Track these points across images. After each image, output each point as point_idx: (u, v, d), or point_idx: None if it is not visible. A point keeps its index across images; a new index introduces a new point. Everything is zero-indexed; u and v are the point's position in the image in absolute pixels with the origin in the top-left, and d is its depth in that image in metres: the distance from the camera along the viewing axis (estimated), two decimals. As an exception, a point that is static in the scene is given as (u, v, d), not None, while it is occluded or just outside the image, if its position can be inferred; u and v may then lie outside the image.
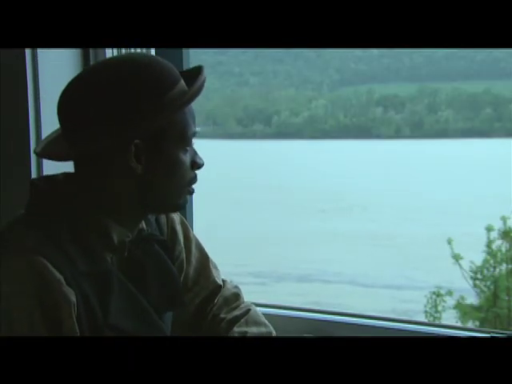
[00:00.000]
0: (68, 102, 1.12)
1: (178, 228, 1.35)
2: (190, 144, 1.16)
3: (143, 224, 1.22)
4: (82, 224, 1.11)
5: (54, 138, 1.17)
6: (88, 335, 1.05)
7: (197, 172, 1.19)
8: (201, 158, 1.19)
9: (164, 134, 1.11)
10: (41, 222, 1.09)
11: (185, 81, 1.15)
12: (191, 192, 1.20)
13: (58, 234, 1.07)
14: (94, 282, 1.08)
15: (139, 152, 1.10)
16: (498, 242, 5.96)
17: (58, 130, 1.18)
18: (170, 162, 1.13)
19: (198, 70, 1.18)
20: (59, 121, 1.14)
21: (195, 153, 1.18)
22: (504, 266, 5.91)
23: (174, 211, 1.26)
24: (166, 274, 1.21)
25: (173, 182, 1.15)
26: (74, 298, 1.03)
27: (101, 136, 1.08)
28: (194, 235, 1.39)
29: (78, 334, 1.04)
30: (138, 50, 1.70)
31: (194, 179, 1.19)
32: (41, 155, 1.18)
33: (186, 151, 1.15)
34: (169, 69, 1.14)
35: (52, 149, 1.15)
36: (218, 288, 1.39)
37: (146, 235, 1.20)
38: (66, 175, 1.17)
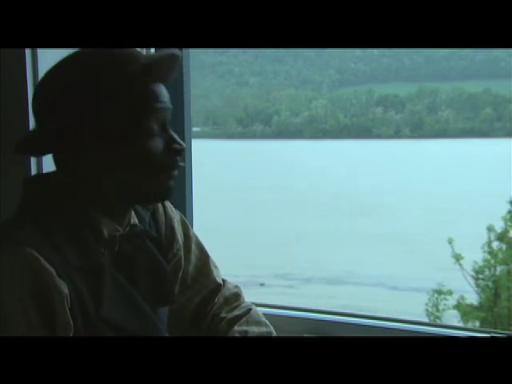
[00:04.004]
0: (40, 98, 1.13)
1: (177, 226, 1.35)
2: (159, 128, 1.13)
3: (135, 220, 1.22)
4: (73, 219, 1.11)
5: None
6: (81, 328, 1.06)
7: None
8: (179, 143, 1.15)
9: (130, 119, 1.10)
10: (33, 218, 1.10)
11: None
12: (170, 179, 1.16)
13: (50, 229, 1.08)
14: (86, 276, 1.09)
15: (107, 142, 1.10)
16: (498, 242, 5.98)
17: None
18: (137, 148, 1.11)
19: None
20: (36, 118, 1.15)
21: (171, 137, 1.15)
22: (505, 266, 5.92)
23: (156, 201, 1.23)
24: (156, 270, 1.21)
25: (144, 169, 1.13)
26: (66, 290, 1.04)
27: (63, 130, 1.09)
28: (194, 234, 1.40)
29: (72, 326, 1.04)
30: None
31: (170, 165, 1.15)
32: (21, 150, 1.16)
33: (153, 136, 1.12)
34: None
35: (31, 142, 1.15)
36: (218, 287, 1.39)
37: (138, 231, 1.20)
38: (57, 172, 1.18)
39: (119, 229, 1.16)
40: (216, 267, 1.42)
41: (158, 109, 1.13)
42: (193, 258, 1.38)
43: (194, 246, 1.38)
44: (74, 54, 1.14)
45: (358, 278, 8.69)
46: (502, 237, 5.94)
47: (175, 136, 1.16)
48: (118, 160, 1.11)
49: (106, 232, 1.14)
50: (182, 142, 1.17)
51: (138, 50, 1.17)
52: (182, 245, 1.36)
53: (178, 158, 1.16)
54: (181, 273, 1.35)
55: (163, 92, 1.15)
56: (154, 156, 1.13)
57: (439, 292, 6.08)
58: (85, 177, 1.13)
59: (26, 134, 1.15)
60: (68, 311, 1.04)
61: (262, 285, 8.67)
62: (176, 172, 1.17)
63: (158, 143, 1.13)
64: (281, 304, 1.80)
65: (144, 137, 1.12)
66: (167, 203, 1.35)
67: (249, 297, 1.46)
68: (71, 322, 1.04)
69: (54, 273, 1.03)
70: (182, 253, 1.36)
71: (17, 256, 1.02)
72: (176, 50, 1.15)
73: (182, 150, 1.16)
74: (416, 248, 9.08)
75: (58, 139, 1.12)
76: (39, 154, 1.24)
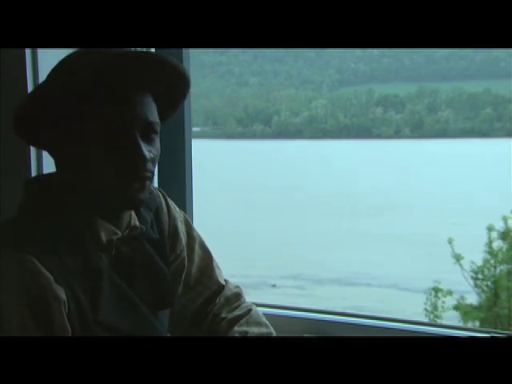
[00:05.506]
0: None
1: (181, 226, 1.35)
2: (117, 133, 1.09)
3: (135, 221, 1.21)
4: (71, 223, 1.11)
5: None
6: (79, 332, 1.06)
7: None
8: (139, 155, 1.09)
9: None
10: (32, 221, 1.10)
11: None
12: (133, 189, 1.11)
13: (49, 232, 1.08)
14: (84, 280, 1.09)
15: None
16: (499, 242, 5.97)
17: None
18: (87, 150, 1.09)
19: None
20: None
21: (136, 146, 1.09)
22: (505, 266, 5.92)
23: (124, 208, 1.16)
24: (155, 273, 1.21)
25: (97, 173, 1.10)
26: (63, 296, 1.04)
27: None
28: (197, 234, 1.39)
29: (70, 331, 1.04)
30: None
31: (134, 170, 1.10)
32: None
33: (110, 137, 1.08)
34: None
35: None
36: (221, 288, 1.39)
37: (137, 233, 1.20)
38: (57, 174, 1.18)
39: (117, 232, 1.16)
40: (219, 268, 1.41)
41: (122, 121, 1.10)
42: (196, 259, 1.37)
43: (197, 247, 1.38)
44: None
45: (369, 279, 8.65)
46: (504, 236, 5.93)
47: (140, 149, 1.10)
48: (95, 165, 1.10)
49: (103, 235, 1.14)
50: (144, 154, 1.10)
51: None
52: (185, 245, 1.35)
53: (142, 168, 1.11)
54: (184, 274, 1.35)
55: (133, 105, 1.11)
56: (110, 164, 1.10)
57: (436, 289, 6.07)
58: (83, 178, 1.12)
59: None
60: (65, 316, 1.04)
61: (274, 286, 8.64)
62: (144, 183, 1.12)
63: (113, 153, 1.09)
64: (288, 305, 1.80)
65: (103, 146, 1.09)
66: (171, 203, 1.35)
67: (261, 298, 1.46)
68: (68, 326, 1.05)
69: (52, 278, 1.03)
70: (185, 253, 1.35)
71: (16, 261, 1.02)
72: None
73: (140, 160, 1.10)
74: (421, 249, 9.05)
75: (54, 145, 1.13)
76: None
